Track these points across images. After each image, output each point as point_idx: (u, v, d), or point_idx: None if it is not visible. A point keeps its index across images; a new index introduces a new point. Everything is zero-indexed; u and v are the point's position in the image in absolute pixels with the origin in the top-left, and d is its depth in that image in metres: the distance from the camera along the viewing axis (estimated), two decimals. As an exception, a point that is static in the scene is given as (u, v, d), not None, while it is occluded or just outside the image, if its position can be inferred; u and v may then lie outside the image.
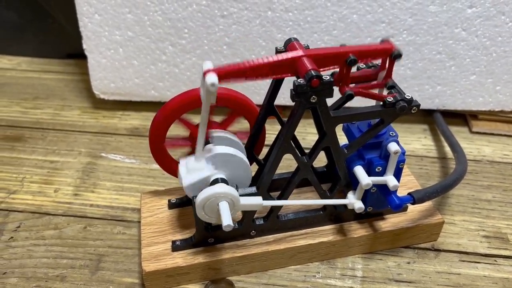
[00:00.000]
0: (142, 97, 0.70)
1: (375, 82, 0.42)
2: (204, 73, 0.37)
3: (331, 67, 0.40)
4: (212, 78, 0.36)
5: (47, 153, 0.64)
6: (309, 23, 0.63)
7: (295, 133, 0.46)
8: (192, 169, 0.43)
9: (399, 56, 0.40)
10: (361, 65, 0.43)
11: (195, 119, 0.47)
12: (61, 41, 0.85)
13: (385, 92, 0.43)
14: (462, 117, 0.72)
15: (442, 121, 0.66)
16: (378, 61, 0.42)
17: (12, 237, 0.51)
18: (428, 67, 0.65)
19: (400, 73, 0.66)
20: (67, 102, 0.75)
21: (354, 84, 0.42)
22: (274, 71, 0.39)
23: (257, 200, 0.43)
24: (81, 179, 0.59)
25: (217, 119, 0.47)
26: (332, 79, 0.37)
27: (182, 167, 0.44)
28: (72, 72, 0.83)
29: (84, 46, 0.67)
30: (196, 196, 0.41)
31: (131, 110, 0.72)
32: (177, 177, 0.49)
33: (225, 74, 0.38)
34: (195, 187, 0.43)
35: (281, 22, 0.63)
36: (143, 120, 0.71)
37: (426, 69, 0.66)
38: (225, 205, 0.41)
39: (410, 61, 0.65)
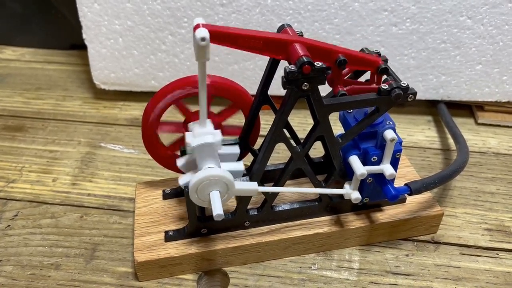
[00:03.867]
0: (142, 87, 0.70)
1: (369, 86, 0.42)
2: (195, 28, 0.35)
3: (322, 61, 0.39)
4: (203, 32, 0.34)
5: (47, 143, 0.64)
6: (310, 11, 0.62)
7: (293, 123, 0.46)
8: (198, 134, 0.41)
9: (384, 70, 0.40)
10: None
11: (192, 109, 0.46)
12: (65, 32, 0.85)
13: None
14: (468, 108, 0.70)
15: (446, 112, 0.65)
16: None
17: (9, 226, 0.51)
18: (432, 56, 0.64)
19: (404, 63, 0.65)
20: (69, 92, 0.75)
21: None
22: (267, 47, 0.38)
23: (253, 185, 0.42)
24: (79, 169, 0.59)
25: (215, 110, 0.47)
26: (324, 66, 0.37)
27: (189, 135, 0.42)
28: (75, 63, 0.83)
29: (84, 36, 0.67)
30: (187, 186, 0.41)
31: (132, 100, 0.72)
32: (168, 168, 0.49)
33: (216, 32, 0.36)
34: (203, 148, 0.41)
35: (281, 11, 0.62)
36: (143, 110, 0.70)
37: (430, 59, 0.64)
38: (217, 194, 0.40)
39: (414, 50, 0.64)
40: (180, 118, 0.47)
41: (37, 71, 0.81)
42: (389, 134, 0.41)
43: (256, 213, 0.45)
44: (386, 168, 0.42)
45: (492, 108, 0.68)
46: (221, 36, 0.36)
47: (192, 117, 0.45)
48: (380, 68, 0.40)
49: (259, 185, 0.42)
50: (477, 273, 0.46)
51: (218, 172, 0.39)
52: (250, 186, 0.42)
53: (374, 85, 0.41)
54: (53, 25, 0.85)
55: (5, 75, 0.80)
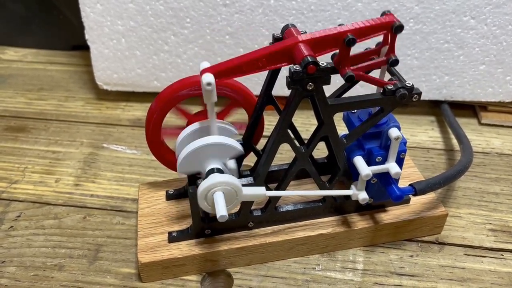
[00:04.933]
0: (145, 87, 0.70)
1: (377, 59, 0.41)
2: (201, 73, 0.37)
3: (331, 50, 0.38)
4: (208, 78, 0.37)
5: (49, 144, 0.64)
6: (313, 11, 0.62)
7: (296, 123, 0.46)
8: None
9: (400, 28, 0.38)
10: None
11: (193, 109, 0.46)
12: (67, 33, 0.85)
13: (387, 78, 0.42)
14: (471, 109, 0.70)
15: (450, 112, 0.65)
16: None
17: (12, 227, 0.51)
18: (435, 56, 0.64)
19: (407, 63, 0.65)
20: (71, 93, 0.75)
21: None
22: (271, 62, 0.38)
23: (260, 191, 0.42)
24: (82, 170, 0.59)
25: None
26: (329, 66, 0.36)
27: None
28: (77, 64, 0.83)
29: (87, 37, 0.67)
30: (191, 187, 0.41)
31: (134, 101, 0.72)
32: (172, 168, 0.49)
33: (221, 72, 0.38)
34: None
35: (284, 11, 0.62)
36: (146, 111, 0.69)
37: (434, 59, 0.64)
38: (220, 195, 0.40)
39: (417, 50, 0.63)
40: (181, 122, 0.47)
41: (39, 71, 0.81)
42: (394, 132, 0.41)
43: (260, 213, 0.45)
44: (391, 166, 0.42)
45: (496, 108, 0.68)
46: (226, 73, 0.38)
47: (193, 118, 0.45)
48: (395, 26, 0.38)
49: (264, 187, 0.42)
50: (482, 274, 0.46)
51: (226, 179, 0.39)
52: (258, 191, 0.41)
53: (384, 58, 0.40)
54: (55, 26, 0.85)
55: (7, 76, 0.80)
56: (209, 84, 0.37)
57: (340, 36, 0.37)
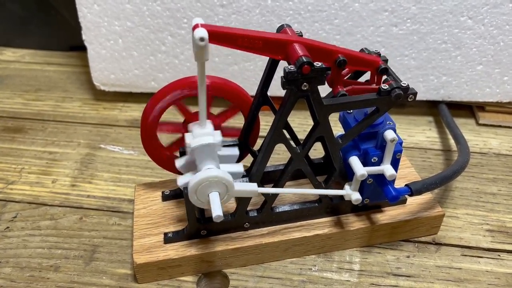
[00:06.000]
0: (142, 88, 0.70)
1: (369, 86, 0.41)
2: (193, 28, 0.35)
3: (321, 61, 0.39)
4: (201, 32, 0.34)
5: (46, 144, 0.64)
6: (310, 12, 0.62)
7: (293, 124, 0.46)
8: (198, 135, 0.41)
9: (384, 71, 0.40)
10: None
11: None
12: (64, 33, 0.85)
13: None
14: (469, 109, 0.70)
15: (447, 112, 0.65)
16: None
17: (8, 227, 0.51)
18: (433, 57, 0.64)
19: (404, 63, 0.64)
20: (69, 94, 0.75)
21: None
22: (267, 48, 0.38)
23: (252, 186, 0.42)
24: (79, 170, 0.59)
25: (215, 111, 0.47)
26: (323, 66, 0.36)
27: (188, 135, 0.42)
28: (75, 64, 0.83)
29: (84, 37, 0.67)
30: (187, 188, 0.41)
31: (132, 101, 0.72)
32: (167, 169, 0.48)
33: (215, 32, 0.35)
34: (203, 149, 0.41)
35: (282, 11, 0.62)
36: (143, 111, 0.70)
37: (431, 59, 0.64)
38: (216, 195, 0.40)
39: (414, 51, 0.63)
40: (179, 118, 0.46)
41: (37, 72, 0.81)
42: (389, 134, 0.41)
43: (256, 214, 0.45)
44: (386, 168, 0.42)
45: (493, 108, 0.68)
46: (220, 36, 0.36)
47: (192, 118, 0.45)
48: (380, 68, 0.40)
49: (258, 186, 0.42)
50: (478, 275, 0.46)
51: (217, 173, 0.39)
52: (249, 187, 0.41)
53: (374, 85, 0.41)
54: (53, 26, 0.85)
55: (5, 76, 0.80)
56: (202, 39, 0.34)
57: (332, 53, 0.38)
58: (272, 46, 0.38)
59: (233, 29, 0.36)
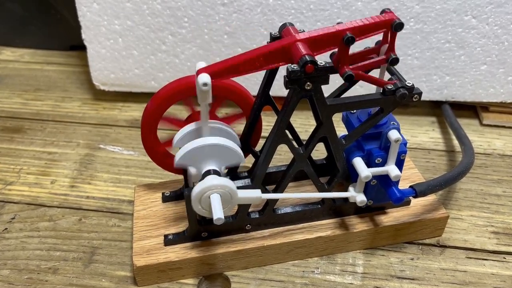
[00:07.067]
0: (142, 88, 0.69)
1: (377, 58, 0.40)
2: (197, 74, 0.37)
3: (329, 49, 0.38)
4: (204, 78, 0.36)
5: (45, 145, 0.63)
6: (312, 10, 0.61)
7: (295, 124, 0.45)
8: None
9: (400, 26, 0.38)
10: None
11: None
12: (64, 33, 0.84)
13: (386, 77, 0.41)
14: (472, 109, 0.69)
15: (451, 113, 0.64)
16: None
17: (6, 229, 0.51)
18: (436, 56, 0.63)
19: (407, 63, 0.64)
20: (68, 93, 0.74)
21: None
22: (269, 61, 0.38)
23: (256, 193, 0.41)
24: (78, 171, 0.59)
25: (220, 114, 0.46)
26: (327, 65, 0.36)
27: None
28: (74, 64, 0.82)
29: (83, 36, 0.66)
30: (187, 189, 0.40)
31: (132, 101, 0.71)
32: (167, 169, 0.48)
33: (217, 72, 0.37)
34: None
35: (283, 10, 0.61)
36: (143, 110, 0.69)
37: (434, 59, 0.63)
38: (217, 197, 0.39)
39: (418, 50, 0.63)
40: (181, 115, 0.46)
41: (36, 72, 0.80)
42: (393, 134, 0.40)
43: (257, 216, 0.44)
44: (391, 169, 0.41)
45: (497, 109, 0.67)
46: (222, 72, 0.37)
47: (196, 115, 0.44)
48: (395, 24, 0.37)
49: (261, 189, 0.41)
50: (484, 277, 0.45)
51: (221, 182, 0.39)
52: (253, 194, 0.41)
53: (383, 57, 0.39)
54: (52, 26, 0.84)
55: (4, 76, 0.79)
56: (205, 84, 0.36)
57: (338, 34, 0.36)
58: (274, 56, 0.37)
59: (231, 60, 0.37)
